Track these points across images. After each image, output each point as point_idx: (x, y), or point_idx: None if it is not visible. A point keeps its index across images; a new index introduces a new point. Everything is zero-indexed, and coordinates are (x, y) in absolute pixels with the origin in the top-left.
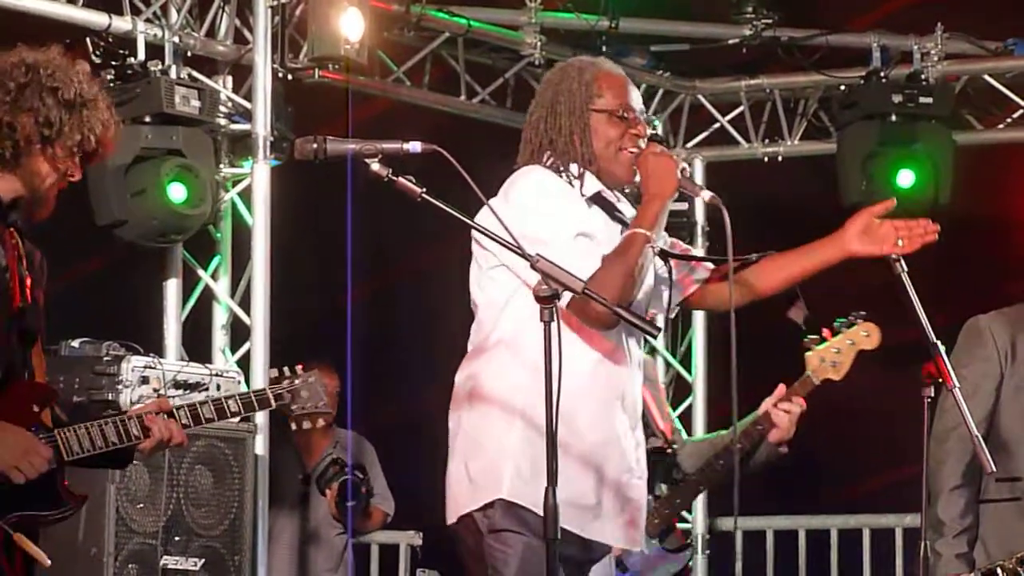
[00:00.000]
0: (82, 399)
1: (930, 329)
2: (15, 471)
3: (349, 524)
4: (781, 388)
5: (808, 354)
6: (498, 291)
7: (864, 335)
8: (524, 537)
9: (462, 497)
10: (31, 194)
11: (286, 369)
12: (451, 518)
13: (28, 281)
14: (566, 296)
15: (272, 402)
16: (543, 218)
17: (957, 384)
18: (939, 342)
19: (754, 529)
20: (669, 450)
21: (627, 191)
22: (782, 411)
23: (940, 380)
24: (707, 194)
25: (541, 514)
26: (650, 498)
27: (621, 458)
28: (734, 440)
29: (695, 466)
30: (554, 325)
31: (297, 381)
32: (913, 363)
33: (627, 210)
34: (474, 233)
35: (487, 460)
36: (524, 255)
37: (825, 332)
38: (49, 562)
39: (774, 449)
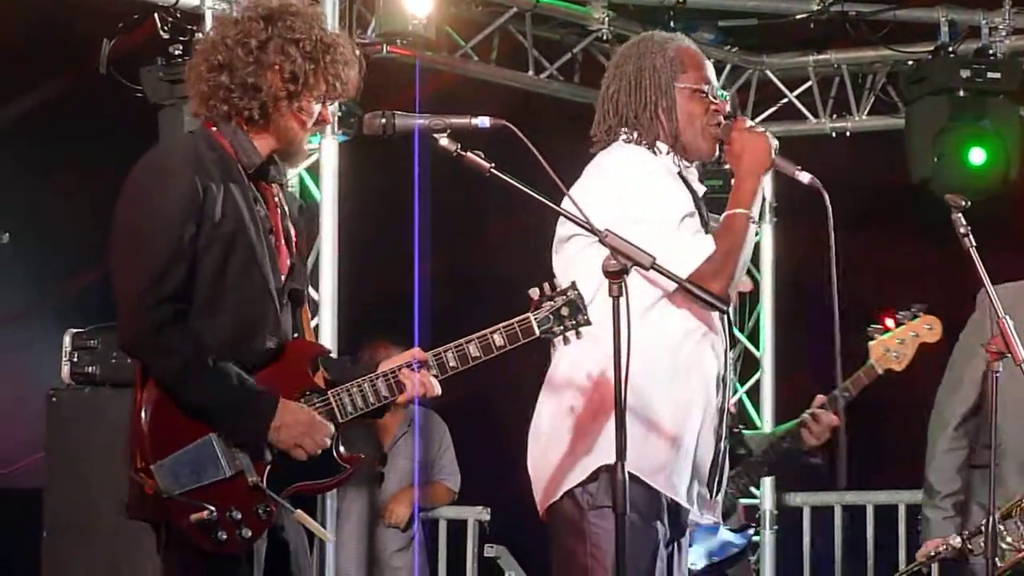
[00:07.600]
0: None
1: (998, 304)
2: (298, 449)
3: (415, 507)
4: (820, 399)
5: (871, 343)
6: (585, 284)
7: (927, 328)
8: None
9: (563, 475)
10: (285, 147)
11: (546, 286)
12: (551, 498)
13: (293, 234)
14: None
15: (536, 330)
16: (649, 197)
17: None
18: (1008, 316)
19: (822, 505)
20: (736, 429)
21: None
22: (814, 428)
23: (1007, 355)
24: (806, 176)
25: (646, 479)
26: None
27: (710, 425)
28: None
29: (761, 447)
30: (623, 300)
31: (558, 300)
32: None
33: (697, 185)
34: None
35: (592, 435)
36: (593, 230)
37: (887, 321)
38: (332, 538)
39: (807, 459)
